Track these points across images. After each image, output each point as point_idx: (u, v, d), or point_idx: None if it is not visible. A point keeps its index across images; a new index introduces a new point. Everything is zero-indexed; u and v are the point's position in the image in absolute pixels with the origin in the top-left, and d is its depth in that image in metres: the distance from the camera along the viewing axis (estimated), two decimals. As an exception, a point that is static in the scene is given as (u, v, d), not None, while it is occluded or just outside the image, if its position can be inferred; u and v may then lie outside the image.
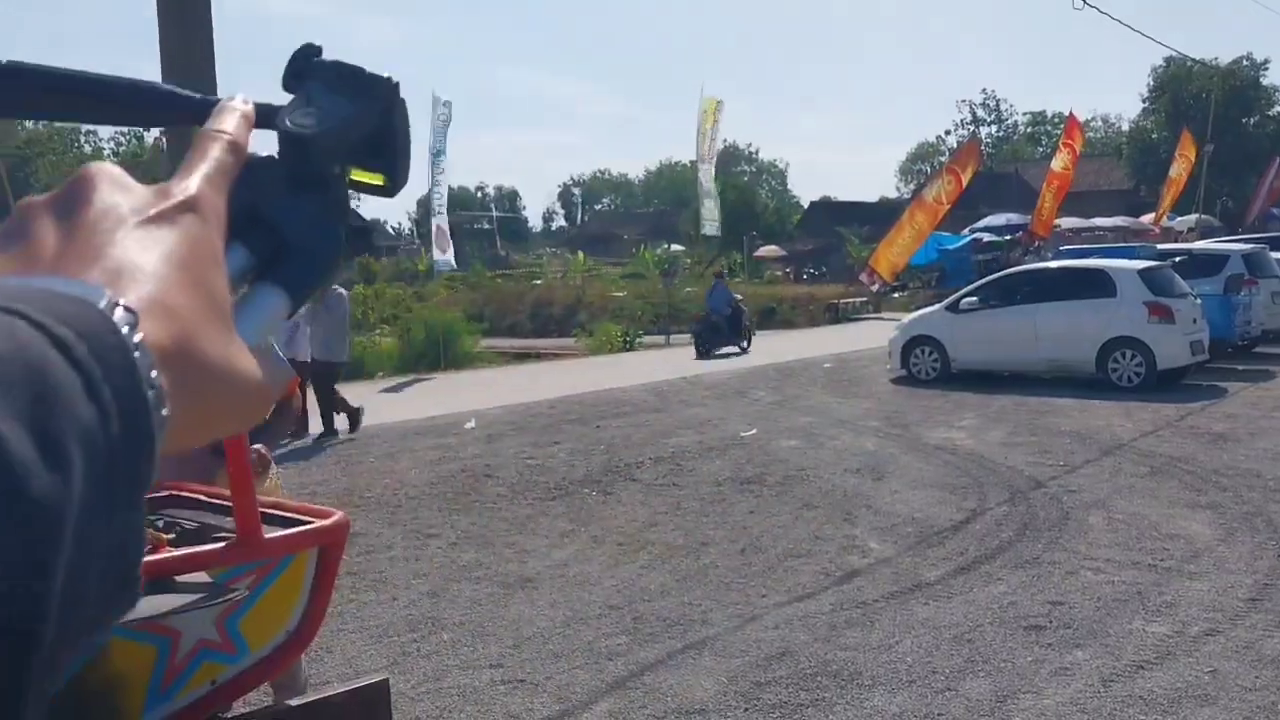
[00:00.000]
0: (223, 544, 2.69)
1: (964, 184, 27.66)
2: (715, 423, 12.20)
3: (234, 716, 2.81)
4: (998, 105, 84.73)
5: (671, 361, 19.79)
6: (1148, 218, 38.76)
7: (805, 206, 71.22)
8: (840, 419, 12.35)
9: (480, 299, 35.93)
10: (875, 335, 19.51)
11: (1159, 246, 20.22)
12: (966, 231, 36.48)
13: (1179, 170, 35.87)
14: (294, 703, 2.77)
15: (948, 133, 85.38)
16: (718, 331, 20.85)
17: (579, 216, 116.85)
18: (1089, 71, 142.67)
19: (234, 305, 0.50)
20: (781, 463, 9.88)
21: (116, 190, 0.47)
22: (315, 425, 11.71)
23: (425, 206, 27.13)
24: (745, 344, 21.07)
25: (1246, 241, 19.84)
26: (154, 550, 2.78)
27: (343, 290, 12.38)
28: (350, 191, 0.61)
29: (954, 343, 15.06)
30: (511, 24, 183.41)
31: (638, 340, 26.28)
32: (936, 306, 16.30)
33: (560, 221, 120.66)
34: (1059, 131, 41.80)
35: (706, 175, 27.78)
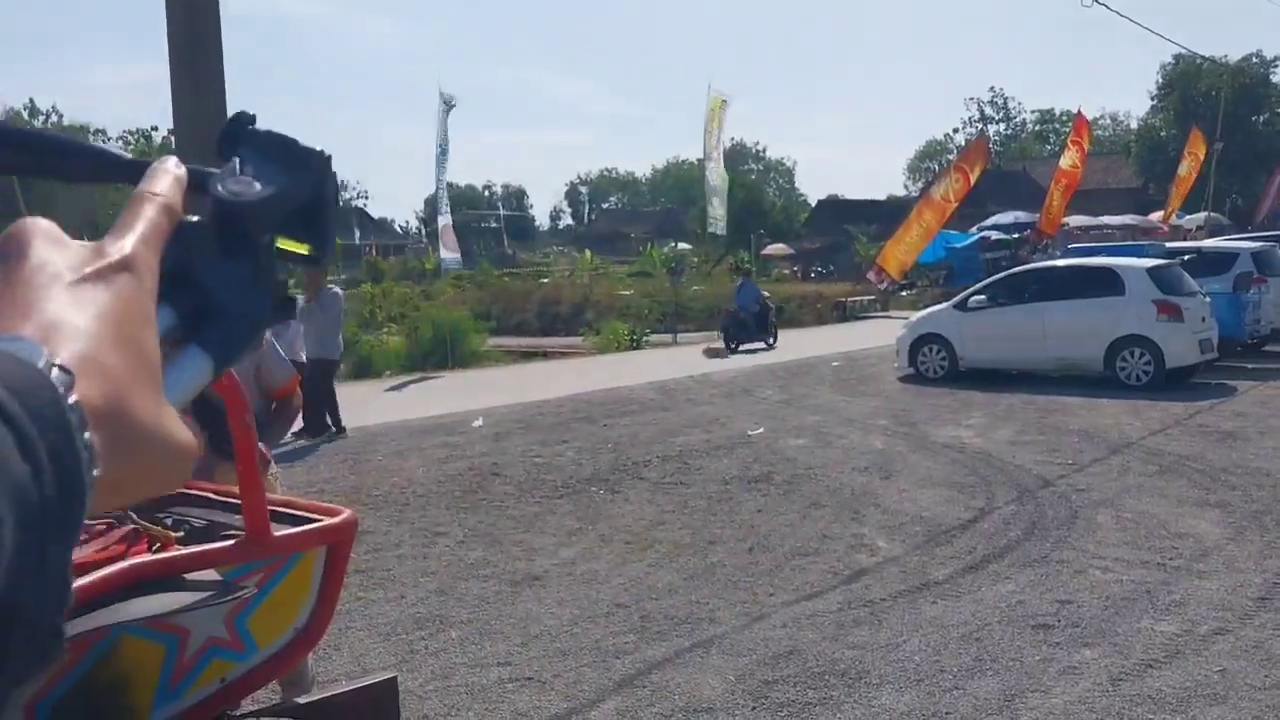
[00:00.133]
0: (231, 542, 2.69)
1: (972, 182, 27.59)
2: (723, 421, 12.19)
3: (243, 714, 2.82)
4: (1006, 103, 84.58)
5: (679, 360, 19.79)
6: (1156, 216, 38.65)
7: (813, 205, 71.20)
8: (848, 417, 12.33)
9: (487, 298, 35.94)
10: (883, 334, 19.49)
11: (1168, 245, 20.15)
12: (974, 230, 36.39)
13: (1188, 168, 35.74)
14: (302, 700, 2.77)
15: (956, 131, 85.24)
16: (745, 327, 21.41)
17: (586, 215, 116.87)
18: (1098, 69, 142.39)
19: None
20: (789, 461, 9.87)
21: (52, 247, 0.47)
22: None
23: (433, 205, 27.14)
24: (772, 339, 21.55)
25: (1256, 240, 19.76)
26: (163, 548, 2.78)
27: (338, 289, 12.36)
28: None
29: (962, 341, 15.04)
30: (517, 23, 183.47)
31: (645, 339, 26.26)
32: (944, 305, 16.28)
33: (567, 220, 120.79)
34: (1067, 129, 41.69)
35: (713, 173, 27.77)
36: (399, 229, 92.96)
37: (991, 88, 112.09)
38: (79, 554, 2.30)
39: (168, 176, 0.56)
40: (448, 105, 22.45)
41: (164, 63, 6.96)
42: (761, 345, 21.27)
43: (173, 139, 7.86)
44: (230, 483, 3.05)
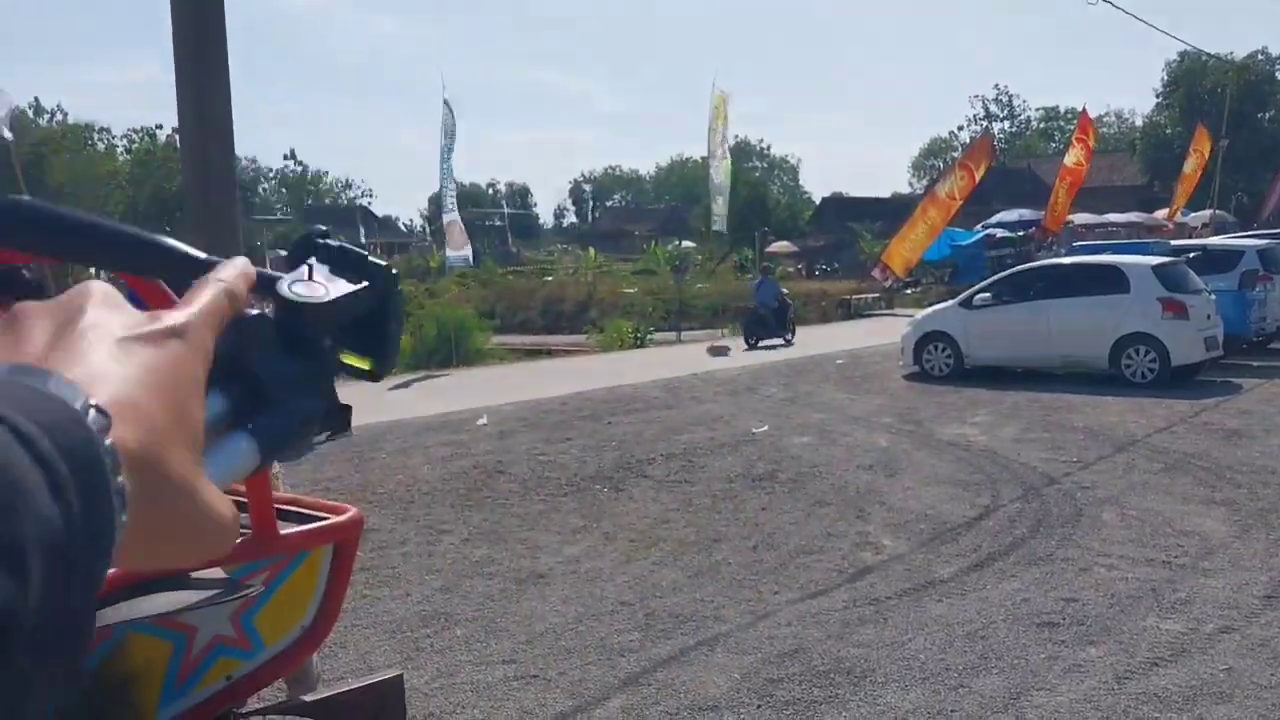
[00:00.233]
0: (238, 540, 2.69)
1: (977, 180, 27.56)
2: (727, 419, 12.19)
3: (248, 712, 2.82)
4: (1010, 101, 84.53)
5: (683, 358, 19.80)
6: (1161, 213, 38.58)
7: (817, 202, 71.14)
8: (853, 415, 12.33)
9: (492, 296, 35.96)
10: (888, 331, 19.48)
11: (1173, 242, 20.12)
12: (979, 227, 36.35)
13: (1193, 165, 35.67)
14: (309, 698, 2.78)
15: (960, 128, 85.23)
16: (764, 324, 21.84)
17: (590, 213, 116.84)
18: (1102, 67, 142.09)
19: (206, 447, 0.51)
20: (794, 459, 9.87)
21: (108, 309, 0.48)
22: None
23: (437, 203, 27.16)
24: (790, 335, 21.91)
25: (1261, 237, 19.73)
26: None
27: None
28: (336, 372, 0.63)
29: (967, 339, 15.03)
30: (521, 21, 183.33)
31: (649, 337, 26.26)
32: (950, 302, 16.26)
33: (571, 218, 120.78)
34: (1072, 127, 41.62)
35: (717, 171, 27.76)
36: (403, 227, 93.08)
37: (996, 85, 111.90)
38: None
39: (235, 269, 0.57)
40: (453, 117, 22.51)
41: (169, 61, 6.96)
42: (780, 341, 21.65)
43: (177, 138, 7.87)
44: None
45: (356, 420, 0.63)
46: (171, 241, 0.62)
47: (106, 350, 0.45)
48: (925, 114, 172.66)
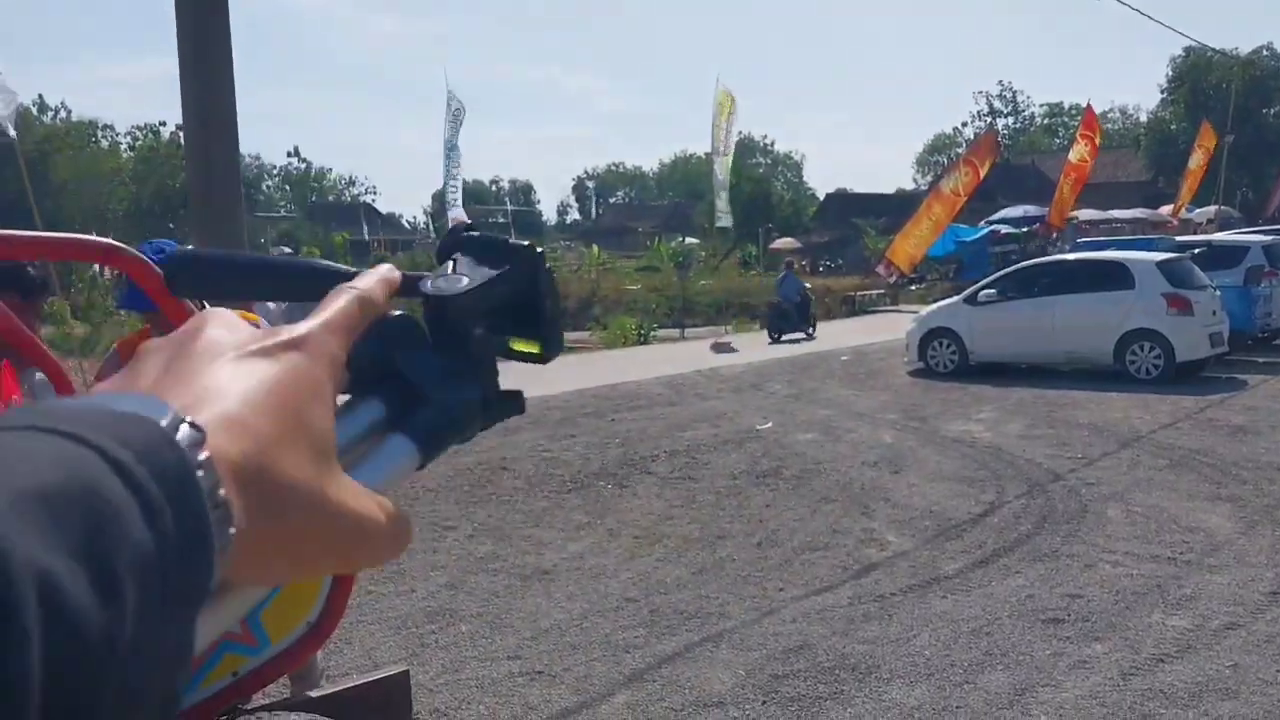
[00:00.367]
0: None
1: (981, 176, 27.50)
2: (731, 416, 12.19)
3: (255, 708, 2.83)
4: (1015, 97, 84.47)
5: (686, 355, 19.79)
6: (1166, 209, 38.49)
7: (821, 198, 71.06)
8: (857, 412, 12.32)
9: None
10: (892, 327, 19.47)
11: (1178, 238, 20.09)
12: (984, 223, 36.32)
13: (1198, 161, 35.59)
14: (315, 694, 2.78)
15: (965, 124, 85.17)
16: (787, 318, 22.37)
17: (593, 210, 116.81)
18: (1107, 62, 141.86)
19: (362, 453, 0.53)
20: (798, 456, 9.86)
21: (224, 329, 0.48)
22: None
23: (441, 201, 27.16)
24: (811, 329, 22.44)
25: (1266, 233, 19.69)
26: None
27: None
28: (502, 358, 0.65)
29: (972, 335, 15.02)
30: (524, 19, 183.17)
31: (653, 333, 26.25)
32: (954, 299, 16.25)
33: (574, 215, 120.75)
34: (1076, 123, 41.56)
35: (721, 168, 27.72)
36: (406, 224, 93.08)
37: (1000, 81, 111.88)
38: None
39: (373, 276, 0.57)
40: (457, 113, 22.51)
41: (172, 58, 6.96)
42: (802, 335, 22.09)
43: (181, 135, 7.87)
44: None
45: None
46: (329, 264, 0.63)
47: (216, 369, 0.45)
48: (929, 110, 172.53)
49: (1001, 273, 16.50)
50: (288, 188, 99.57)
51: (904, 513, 7.80)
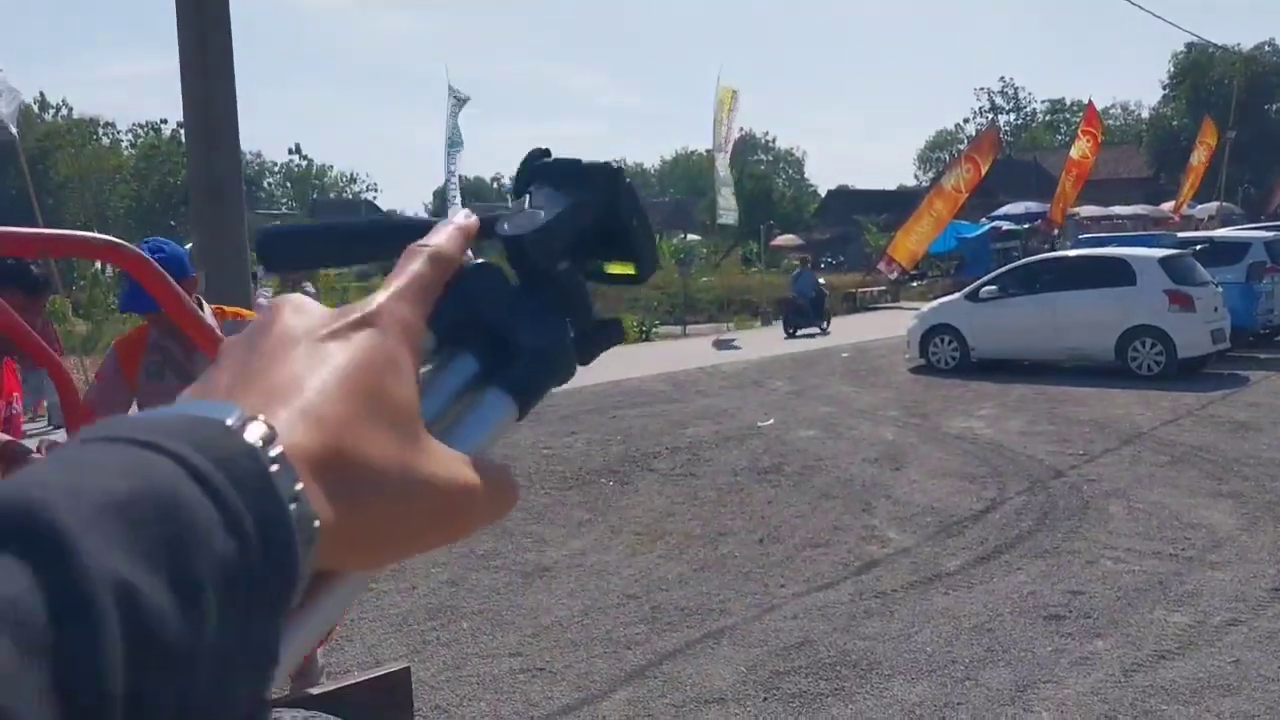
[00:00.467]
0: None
1: (983, 172, 27.47)
2: (732, 413, 12.19)
3: (256, 704, 2.82)
4: (1016, 93, 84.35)
5: (688, 352, 19.79)
6: (1168, 206, 38.46)
7: (823, 195, 71.02)
8: (859, 408, 12.32)
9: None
10: (894, 324, 19.47)
11: (1179, 235, 20.07)
12: (985, 220, 36.27)
13: (1200, 157, 35.54)
14: (315, 691, 2.78)
15: (966, 121, 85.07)
16: (803, 313, 22.83)
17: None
18: (1109, 58, 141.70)
19: (457, 415, 0.51)
20: (799, 452, 9.86)
21: (296, 315, 0.48)
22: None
23: (441, 197, 27.16)
24: (825, 325, 22.90)
25: (1268, 229, 19.67)
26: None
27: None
28: (599, 284, 0.61)
29: (973, 332, 15.01)
30: (525, 15, 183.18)
31: (654, 330, 26.25)
32: (955, 295, 16.24)
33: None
34: (1078, 119, 41.52)
35: (723, 164, 27.70)
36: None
37: (1002, 78, 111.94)
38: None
39: (447, 228, 0.55)
40: (458, 100, 22.49)
41: (173, 56, 6.97)
42: (816, 330, 22.50)
43: (182, 132, 7.87)
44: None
45: None
46: (408, 218, 0.61)
47: (287, 361, 0.45)
48: (931, 107, 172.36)
49: (1003, 269, 16.49)
50: (289, 185, 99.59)
51: (905, 509, 7.80)
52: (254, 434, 0.39)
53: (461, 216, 0.56)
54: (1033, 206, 36.91)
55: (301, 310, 0.48)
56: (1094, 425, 10.74)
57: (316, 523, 0.40)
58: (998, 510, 7.71)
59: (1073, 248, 18.68)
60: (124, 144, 68.11)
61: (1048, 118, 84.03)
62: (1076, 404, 11.99)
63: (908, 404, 12.53)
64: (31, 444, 3.18)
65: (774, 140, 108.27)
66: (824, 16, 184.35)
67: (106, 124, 68.66)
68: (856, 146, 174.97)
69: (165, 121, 63.52)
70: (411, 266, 0.52)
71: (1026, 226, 33.57)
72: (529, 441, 10.63)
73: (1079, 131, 32.39)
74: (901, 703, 4.64)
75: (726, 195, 26.62)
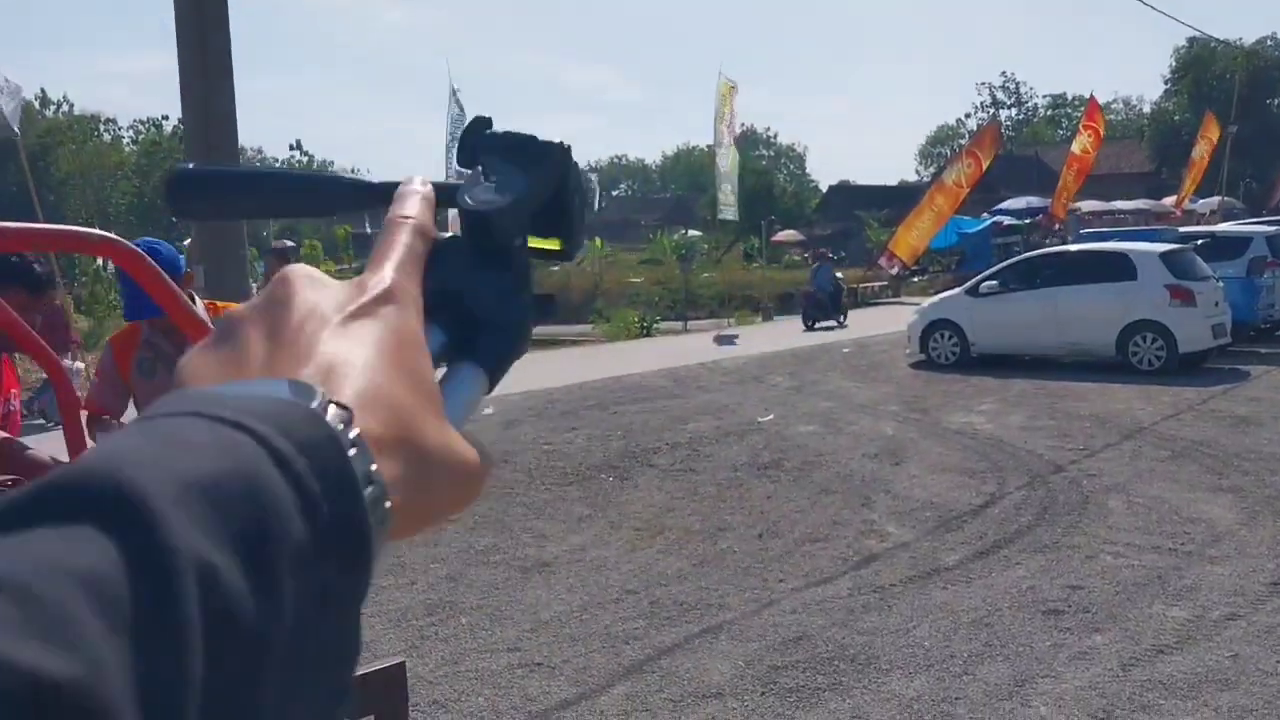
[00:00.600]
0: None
1: (984, 167, 27.45)
2: (733, 408, 12.18)
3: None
4: (1018, 88, 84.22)
5: (689, 347, 19.78)
6: (1170, 200, 38.41)
7: (824, 190, 70.93)
8: (859, 404, 12.31)
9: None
10: (894, 320, 19.46)
11: (1181, 229, 20.04)
12: (986, 215, 36.23)
13: (1201, 152, 35.49)
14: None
15: (968, 116, 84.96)
16: (821, 307, 23.09)
17: (596, 202, 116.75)
18: (1110, 53, 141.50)
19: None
20: (799, 448, 9.86)
21: (314, 289, 0.47)
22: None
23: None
24: (843, 317, 23.19)
25: (1270, 223, 19.64)
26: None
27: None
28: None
29: (973, 327, 14.99)
30: (527, 10, 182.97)
31: (655, 326, 26.26)
32: (956, 291, 16.22)
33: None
34: (1080, 114, 41.42)
35: (724, 159, 27.68)
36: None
37: (1003, 72, 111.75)
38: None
39: (415, 197, 0.55)
40: (460, 111, 22.49)
41: (174, 52, 6.96)
42: (834, 323, 22.78)
43: (182, 126, 7.87)
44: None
45: None
46: (341, 175, 0.61)
47: (329, 339, 0.45)
48: (932, 102, 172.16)
49: (1003, 264, 16.46)
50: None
51: (904, 504, 7.80)
52: (332, 414, 0.40)
53: (420, 183, 0.56)
54: (1034, 201, 36.84)
55: (317, 283, 0.48)
56: (1094, 420, 10.73)
57: (388, 504, 0.40)
58: (997, 505, 7.71)
59: (1073, 242, 18.65)
60: (125, 140, 68.08)
61: (1049, 112, 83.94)
62: (1077, 399, 11.98)
63: (908, 399, 12.52)
64: (31, 441, 3.18)
65: (775, 135, 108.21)
66: (826, 12, 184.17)
67: (108, 120, 68.64)
68: (858, 142, 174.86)
69: (167, 118, 63.47)
70: (402, 239, 0.52)
71: (1028, 222, 33.52)
72: (530, 437, 10.63)
73: (1080, 126, 32.36)
74: (899, 697, 4.64)
75: (727, 191, 26.61)
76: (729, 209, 26.91)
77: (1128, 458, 9.06)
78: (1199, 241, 16.03)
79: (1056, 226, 30.20)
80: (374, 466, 0.40)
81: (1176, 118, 55.42)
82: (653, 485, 8.64)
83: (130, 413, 3.90)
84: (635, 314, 27.09)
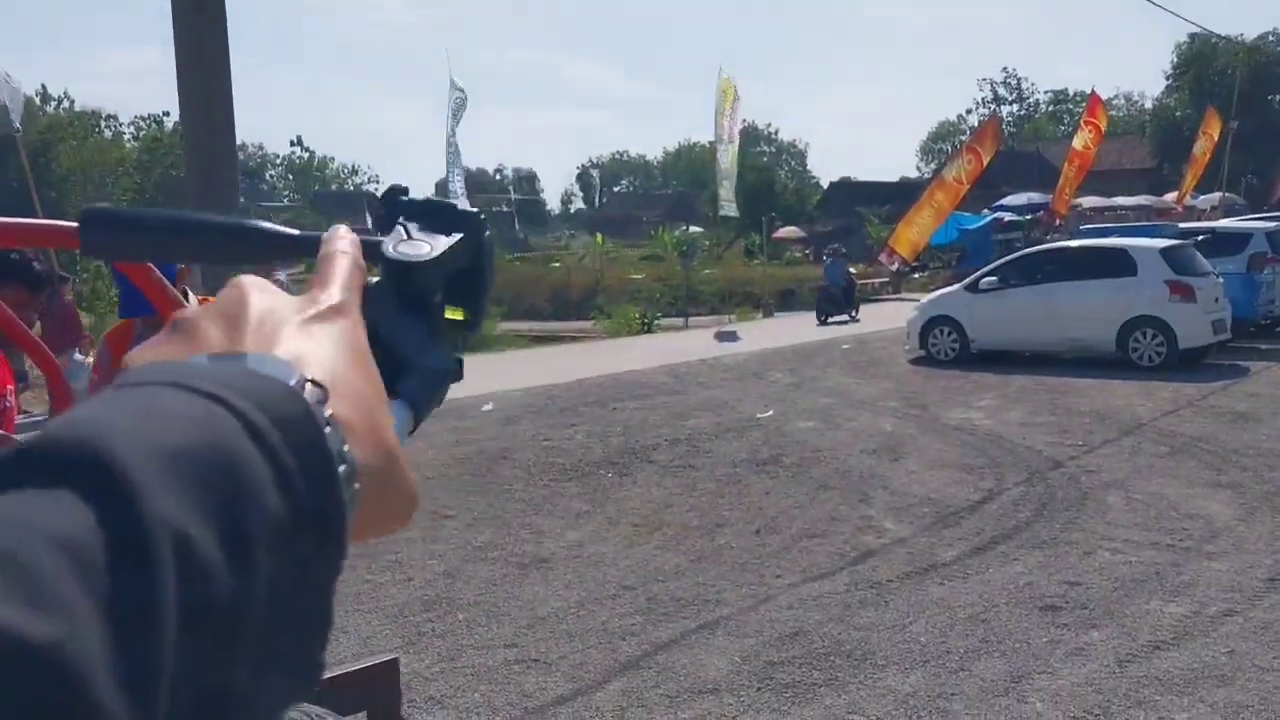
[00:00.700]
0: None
1: (984, 163, 27.40)
2: (732, 404, 12.18)
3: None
4: (1019, 84, 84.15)
5: (689, 343, 19.77)
6: (1171, 196, 38.36)
7: (825, 187, 70.89)
8: (858, 400, 12.31)
9: (499, 282, 35.72)
10: (895, 316, 19.46)
11: (1181, 225, 20.01)
12: (987, 211, 36.20)
13: (1203, 148, 35.43)
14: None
15: (969, 111, 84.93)
16: (834, 301, 23.43)
17: (597, 199, 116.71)
18: (1112, 49, 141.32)
19: None
20: (798, 444, 9.85)
21: (268, 295, 0.48)
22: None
23: (443, 190, 27.14)
24: (855, 312, 23.51)
25: (1270, 219, 19.61)
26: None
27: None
28: None
29: (973, 323, 14.97)
30: (529, 5, 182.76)
31: (656, 322, 26.25)
32: (955, 287, 16.21)
33: (579, 204, 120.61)
34: (1081, 110, 41.37)
35: (724, 156, 27.66)
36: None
37: (1005, 68, 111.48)
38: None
39: (348, 239, 0.57)
40: (460, 103, 22.47)
41: (172, 47, 6.95)
42: (846, 317, 23.05)
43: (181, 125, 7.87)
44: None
45: None
46: (263, 224, 0.62)
47: (292, 331, 0.46)
48: (933, 98, 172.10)
49: (1003, 260, 16.44)
50: (291, 176, 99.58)
51: (902, 500, 7.79)
52: (311, 396, 0.40)
53: (346, 233, 0.58)
54: (1035, 197, 36.79)
55: (269, 291, 0.48)
56: (1094, 416, 10.73)
57: (358, 485, 0.41)
58: (995, 501, 7.70)
59: (1073, 238, 18.63)
60: (126, 136, 68.08)
61: (1051, 108, 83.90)
62: (1077, 395, 11.97)
63: (907, 395, 12.52)
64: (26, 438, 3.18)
65: (776, 132, 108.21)
66: (827, 8, 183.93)
67: (109, 116, 68.64)
68: (859, 138, 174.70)
69: (168, 114, 63.41)
70: (345, 266, 0.53)
71: (1029, 217, 33.49)
72: (529, 434, 10.63)
73: (1082, 122, 32.30)
74: (895, 693, 4.64)
75: (727, 188, 26.61)
76: (729, 205, 26.90)
77: (1127, 454, 9.06)
78: (1199, 237, 16.01)
79: (1058, 222, 30.16)
80: (346, 447, 0.41)
81: (1178, 113, 55.37)
82: (651, 481, 8.64)
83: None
84: (636, 310, 27.08)
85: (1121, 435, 9.81)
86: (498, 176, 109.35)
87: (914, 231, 27.55)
